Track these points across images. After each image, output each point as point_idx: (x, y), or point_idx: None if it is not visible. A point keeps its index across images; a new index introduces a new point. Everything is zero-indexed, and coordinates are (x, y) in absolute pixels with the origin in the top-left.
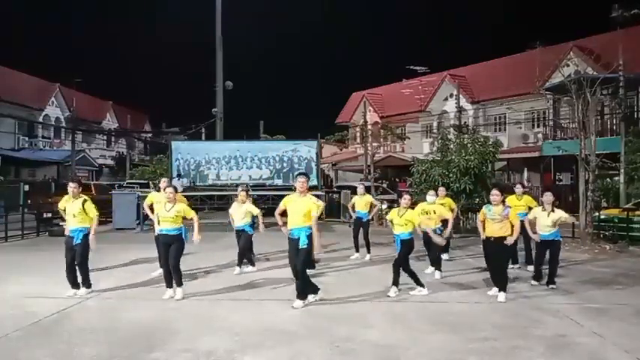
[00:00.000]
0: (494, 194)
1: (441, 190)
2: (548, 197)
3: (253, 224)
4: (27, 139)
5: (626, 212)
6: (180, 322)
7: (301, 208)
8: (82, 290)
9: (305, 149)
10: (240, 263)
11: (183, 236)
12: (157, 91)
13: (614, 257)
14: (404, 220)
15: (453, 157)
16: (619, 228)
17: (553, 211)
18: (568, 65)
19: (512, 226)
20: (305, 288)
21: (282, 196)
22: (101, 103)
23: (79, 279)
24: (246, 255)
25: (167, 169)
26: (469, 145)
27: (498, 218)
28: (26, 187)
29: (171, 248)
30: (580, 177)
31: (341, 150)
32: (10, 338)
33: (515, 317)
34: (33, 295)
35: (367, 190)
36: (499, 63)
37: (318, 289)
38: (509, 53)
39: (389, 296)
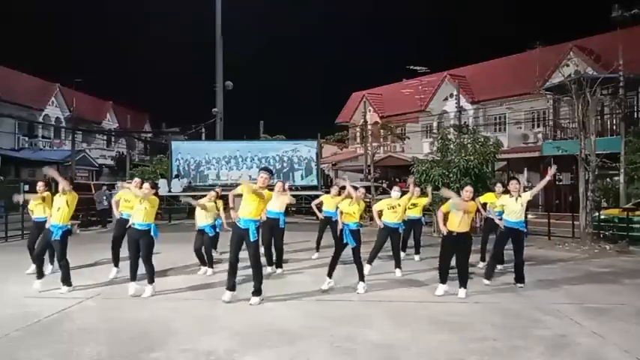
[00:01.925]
0: (469, 191)
1: (416, 190)
2: (515, 185)
3: (215, 226)
4: (27, 139)
5: (626, 212)
6: (180, 322)
7: (257, 202)
8: (64, 289)
9: (305, 149)
10: (204, 263)
11: (152, 232)
12: (157, 91)
13: (614, 257)
14: (352, 210)
15: (453, 157)
16: (619, 228)
17: (520, 196)
18: (568, 65)
19: (473, 218)
20: (261, 282)
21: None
22: (101, 103)
23: (60, 277)
24: (207, 255)
25: (167, 169)
26: (469, 145)
27: (461, 211)
28: (26, 187)
29: (140, 243)
30: (580, 177)
31: (341, 150)
32: (10, 338)
33: (515, 317)
34: (33, 295)
35: (367, 190)
36: (499, 63)
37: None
38: (509, 53)
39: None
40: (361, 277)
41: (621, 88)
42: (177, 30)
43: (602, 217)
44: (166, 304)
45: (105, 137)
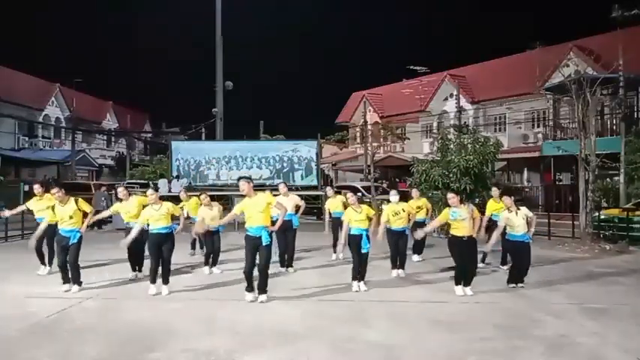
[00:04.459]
0: (452, 197)
1: (414, 192)
2: (507, 200)
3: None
4: (27, 139)
5: (626, 212)
6: (180, 322)
7: (258, 208)
8: (75, 287)
9: (305, 149)
10: (214, 263)
11: (172, 231)
12: (157, 91)
13: (614, 257)
14: (360, 217)
15: (453, 157)
16: (619, 228)
17: (519, 209)
18: (568, 65)
19: (478, 222)
20: (267, 282)
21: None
22: (101, 103)
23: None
24: (217, 255)
25: (167, 169)
26: (469, 145)
27: (467, 216)
28: (26, 187)
29: (164, 248)
30: (580, 177)
31: (341, 150)
32: (10, 338)
33: (515, 317)
34: (33, 295)
35: (367, 190)
36: (499, 63)
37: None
38: (510, 53)
39: (357, 292)
40: (362, 278)
41: (621, 88)
42: (177, 30)
43: (602, 217)
44: (166, 305)
45: (105, 137)
